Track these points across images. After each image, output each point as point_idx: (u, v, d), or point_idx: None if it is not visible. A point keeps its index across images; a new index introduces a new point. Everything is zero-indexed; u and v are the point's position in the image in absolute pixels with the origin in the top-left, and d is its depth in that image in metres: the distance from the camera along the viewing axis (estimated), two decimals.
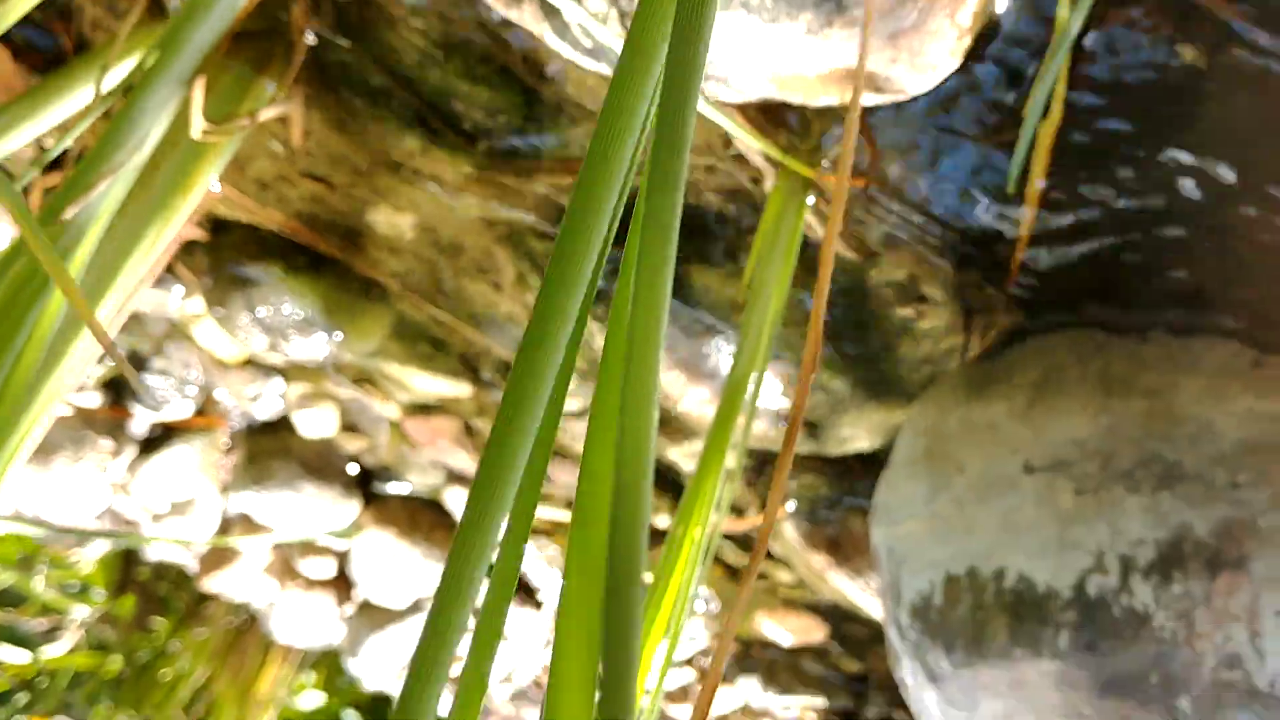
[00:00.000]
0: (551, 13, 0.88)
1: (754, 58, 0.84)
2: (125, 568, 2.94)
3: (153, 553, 2.72)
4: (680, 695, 2.35)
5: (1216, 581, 0.93)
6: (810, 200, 1.03)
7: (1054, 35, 0.85)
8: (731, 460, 0.97)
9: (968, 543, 1.05)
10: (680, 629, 0.85)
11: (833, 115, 1.00)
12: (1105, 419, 1.01)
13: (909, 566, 1.09)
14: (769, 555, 1.54)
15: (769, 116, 1.02)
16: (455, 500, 2.15)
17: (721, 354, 1.21)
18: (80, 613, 2.96)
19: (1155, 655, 0.92)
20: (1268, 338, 1.04)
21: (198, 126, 0.97)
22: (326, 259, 1.39)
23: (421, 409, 1.79)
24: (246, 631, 2.91)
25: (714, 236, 1.11)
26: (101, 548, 2.76)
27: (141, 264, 0.98)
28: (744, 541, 1.53)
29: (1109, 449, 1.00)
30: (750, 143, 0.91)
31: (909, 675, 1.10)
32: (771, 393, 1.27)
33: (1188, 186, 0.97)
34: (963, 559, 1.04)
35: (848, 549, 1.38)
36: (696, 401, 1.29)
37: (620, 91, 0.43)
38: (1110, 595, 0.95)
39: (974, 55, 0.92)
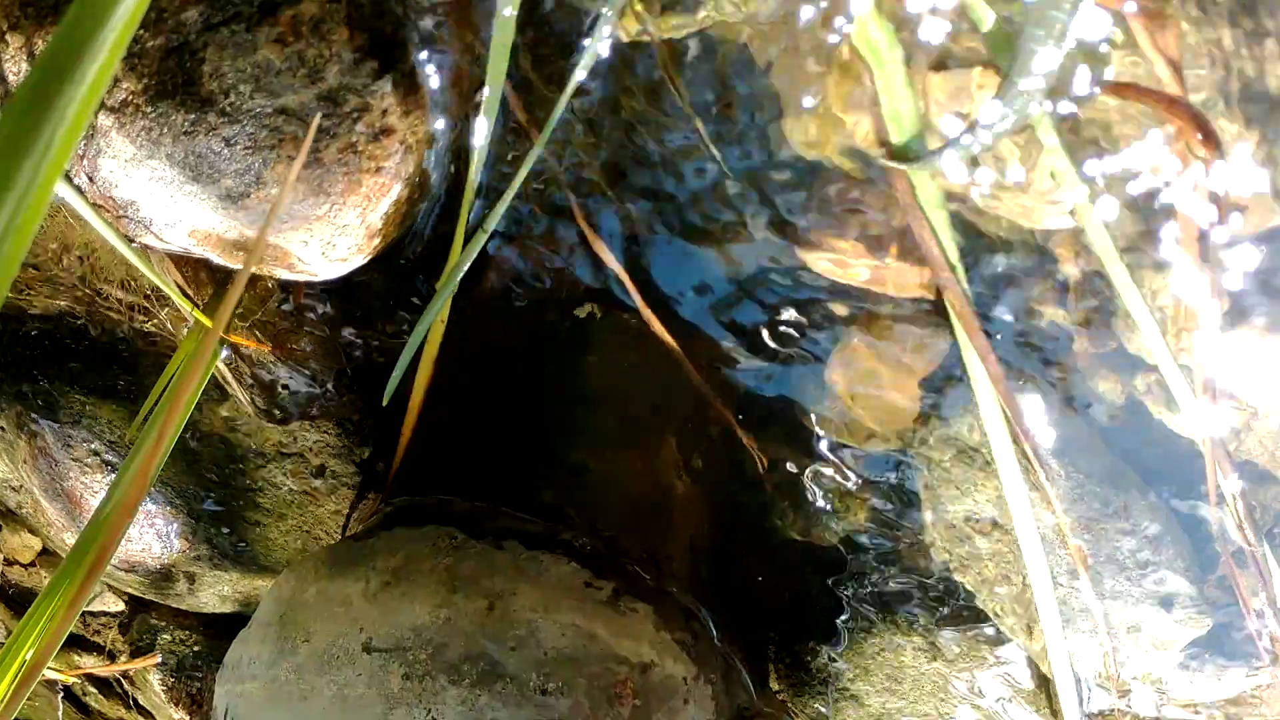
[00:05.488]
0: None
1: (176, 212, 0.89)
2: None
3: None
4: None
5: None
6: (225, 354, 1.08)
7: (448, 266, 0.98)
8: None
9: (302, 710, 1.09)
10: None
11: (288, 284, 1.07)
12: (446, 612, 1.11)
13: None
14: (136, 707, 1.47)
15: (213, 272, 1.07)
16: None
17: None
18: None
19: None
20: (602, 564, 1.21)
21: None
22: None
23: None
24: None
25: (124, 368, 1.12)
26: None
27: None
28: (107, 686, 1.46)
29: (443, 640, 1.10)
30: (165, 288, 0.96)
31: None
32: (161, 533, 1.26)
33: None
34: None
35: (209, 707, 1.36)
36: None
37: None
38: None
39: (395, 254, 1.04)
